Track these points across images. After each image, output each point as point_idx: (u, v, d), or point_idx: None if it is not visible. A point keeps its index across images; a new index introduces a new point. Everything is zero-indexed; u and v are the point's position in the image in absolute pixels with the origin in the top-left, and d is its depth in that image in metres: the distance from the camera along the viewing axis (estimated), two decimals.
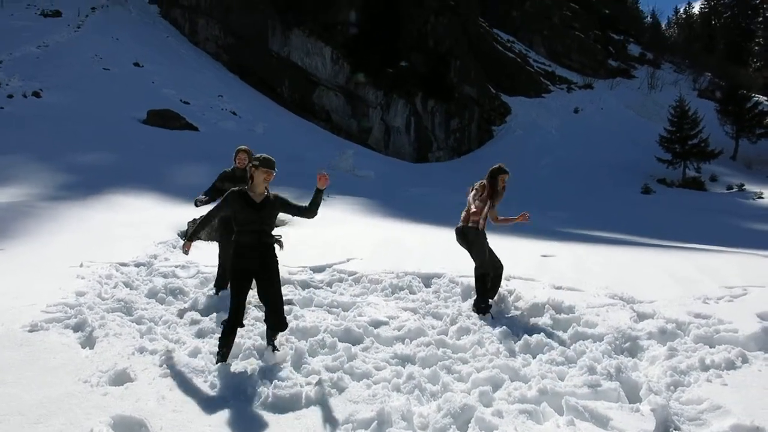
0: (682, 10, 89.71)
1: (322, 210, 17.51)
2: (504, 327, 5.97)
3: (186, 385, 4.29)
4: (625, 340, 5.52)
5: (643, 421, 3.90)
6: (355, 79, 39.95)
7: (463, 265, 8.47)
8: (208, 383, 4.35)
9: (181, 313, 6.30)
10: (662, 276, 8.10)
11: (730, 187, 34.46)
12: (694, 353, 5.14)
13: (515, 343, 5.61)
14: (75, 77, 30.63)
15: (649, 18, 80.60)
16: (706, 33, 71.53)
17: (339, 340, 5.43)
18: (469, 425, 3.70)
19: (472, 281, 7.70)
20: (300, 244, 10.84)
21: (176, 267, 8.29)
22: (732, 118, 40.88)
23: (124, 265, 8.23)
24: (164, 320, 5.98)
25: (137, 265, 8.36)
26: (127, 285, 7.26)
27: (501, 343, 5.57)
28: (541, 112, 45.91)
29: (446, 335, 5.86)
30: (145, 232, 10.81)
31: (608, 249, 11.47)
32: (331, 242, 11.01)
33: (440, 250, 9.94)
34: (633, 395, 4.42)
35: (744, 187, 33.78)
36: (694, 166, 36.76)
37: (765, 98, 43.67)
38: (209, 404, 3.99)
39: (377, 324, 6.11)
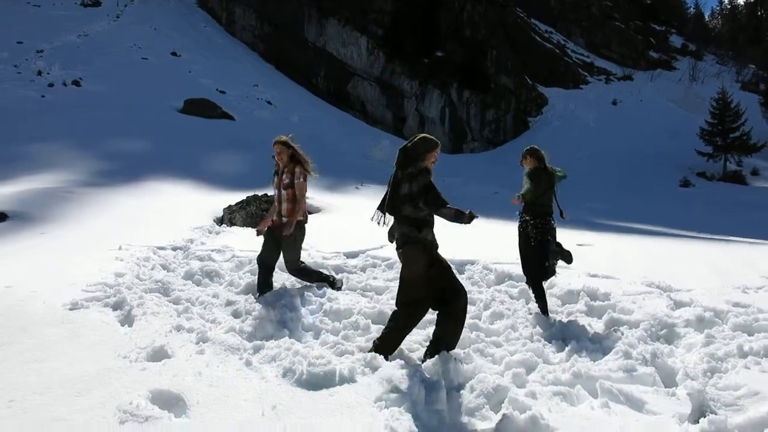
0: (726, 1, 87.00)
1: (357, 198, 17.64)
2: (538, 313, 5.95)
3: (222, 362, 4.37)
4: (661, 327, 5.46)
5: (679, 404, 3.87)
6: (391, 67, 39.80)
7: (496, 253, 8.45)
8: (243, 360, 4.42)
9: (216, 295, 6.40)
10: (700, 266, 7.96)
11: None
12: (732, 341, 5.07)
13: (550, 328, 5.57)
14: (114, 66, 31.20)
15: (692, 8, 78.64)
16: (751, 24, 69.40)
17: (372, 323, 5.47)
18: (503, 405, 3.69)
19: (505, 267, 7.70)
20: (334, 231, 10.93)
21: (212, 251, 8.43)
22: None
23: (161, 248, 8.40)
24: (200, 301, 6.10)
25: (174, 249, 8.51)
26: (164, 267, 7.40)
27: (535, 327, 5.55)
28: (579, 104, 45.22)
29: (479, 320, 5.86)
30: (182, 217, 11.03)
31: (645, 239, 11.29)
32: (365, 229, 11.04)
33: (474, 238, 9.90)
34: (669, 380, 4.37)
35: None
36: (735, 159, 35.91)
37: None
38: (245, 380, 4.06)
39: None
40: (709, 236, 13.79)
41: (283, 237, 6.38)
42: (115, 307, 5.46)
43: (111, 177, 15.36)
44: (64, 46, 33.55)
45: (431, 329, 5.52)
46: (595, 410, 3.74)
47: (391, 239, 5.05)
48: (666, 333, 5.39)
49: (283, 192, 6.44)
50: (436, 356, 4.53)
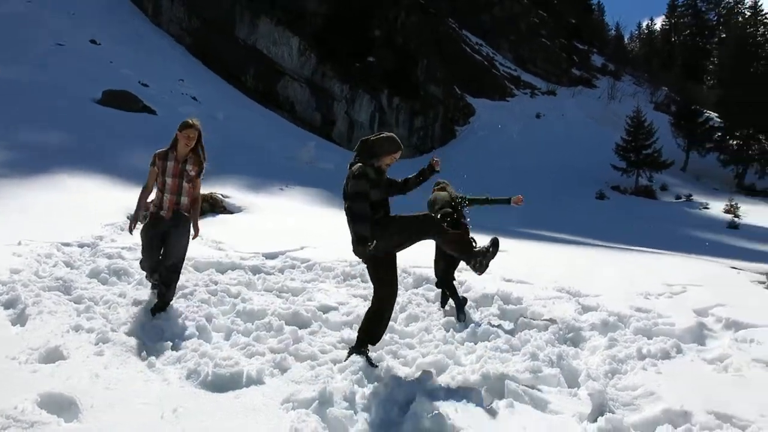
0: (644, 26, 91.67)
1: (280, 199, 17.44)
2: (452, 316, 6.03)
3: (123, 364, 4.16)
4: (568, 331, 5.66)
5: (581, 404, 4.00)
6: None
7: (416, 256, 8.51)
8: (146, 362, 4.24)
9: (123, 294, 6.13)
10: (608, 273, 8.32)
11: (678, 197, 35.50)
12: (633, 344, 5.32)
13: (462, 331, 5.66)
14: (25, 51, 29.27)
15: (613, 31, 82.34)
16: (665, 49, 73.37)
17: (286, 324, 5.37)
18: (411, 406, 3.69)
19: (424, 271, 7.77)
20: (254, 231, 10.75)
21: (123, 249, 8.08)
22: (684, 131, 42.25)
23: (66, 245, 7.94)
24: (105, 300, 5.79)
25: (81, 246, 8.07)
26: (67, 264, 6.99)
27: (448, 331, 5.62)
28: (505, 116, 46.39)
29: (395, 321, 5.86)
30: (93, 213, 10.48)
31: (559, 247, 11.69)
32: (287, 230, 10.94)
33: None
34: (572, 381, 4.51)
35: (691, 198, 34.81)
36: (646, 175, 37.86)
37: (716, 115, 45.20)
38: (145, 382, 3.88)
39: (326, 309, 6.10)
40: (619, 246, 14.42)
41: (178, 228, 5.56)
42: (7, 305, 5.10)
43: (17, 168, 14.47)
44: None
45: (344, 331, 5.50)
46: (500, 409, 3.81)
47: None
48: (573, 336, 5.58)
49: (185, 184, 5.64)
50: (349, 358, 4.51)
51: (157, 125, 25.03)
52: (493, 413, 3.76)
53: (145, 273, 5.92)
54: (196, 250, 8.46)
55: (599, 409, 3.88)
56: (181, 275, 6.67)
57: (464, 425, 3.52)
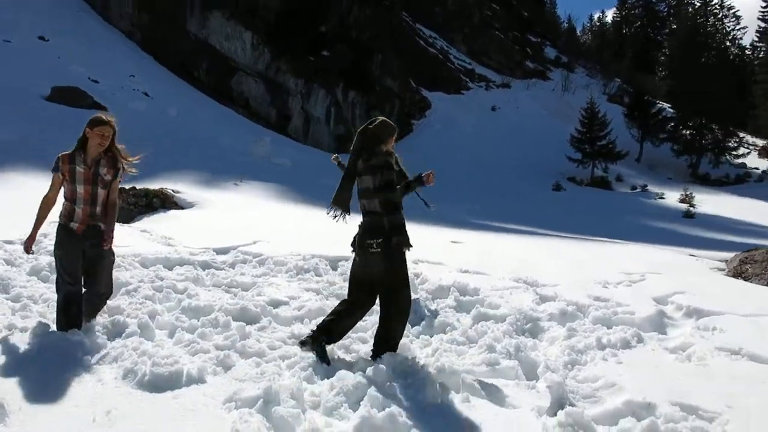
0: (596, 18, 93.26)
1: (234, 194, 17.08)
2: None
3: (56, 364, 3.86)
4: (526, 321, 5.53)
5: (539, 398, 3.86)
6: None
7: None
8: (82, 361, 3.94)
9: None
10: (566, 263, 8.27)
11: (634, 187, 36.02)
12: (592, 333, 5.21)
13: (419, 323, 5.49)
14: None
15: (565, 23, 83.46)
16: (617, 41, 74.65)
17: (233, 319, 5.11)
18: (362, 403, 3.50)
19: None
20: (206, 227, 10.41)
21: None
22: (638, 122, 42.87)
23: (8, 242, 7.57)
24: (44, 298, 5.46)
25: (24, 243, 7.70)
26: (7, 262, 6.65)
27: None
28: (460, 109, 46.63)
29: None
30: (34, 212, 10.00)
31: (516, 238, 11.66)
32: (240, 225, 10.63)
33: (351, 235, 9.76)
34: (531, 373, 4.38)
35: (647, 188, 35.33)
36: (602, 166, 38.46)
37: (668, 105, 46.16)
38: (78, 383, 3.61)
39: (276, 304, 5.84)
40: (576, 236, 14.50)
41: (102, 247, 4.80)
42: None
43: None
44: None
45: (295, 326, 5.28)
46: (455, 404, 3.64)
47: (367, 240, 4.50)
48: (531, 327, 5.46)
49: (100, 191, 4.78)
50: (297, 354, 4.31)
51: None
52: (447, 409, 3.60)
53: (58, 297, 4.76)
54: (143, 246, 8.14)
55: (559, 402, 3.73)
56: (126, 271, 6.36)
57: (417, 422, 3.34)
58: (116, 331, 4.68)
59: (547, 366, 4.36)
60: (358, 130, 4.66)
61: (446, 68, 52.13)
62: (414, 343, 4.94)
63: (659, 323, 5.61)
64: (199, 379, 3.75)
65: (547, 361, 4.46)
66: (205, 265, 7.36)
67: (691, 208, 28.23)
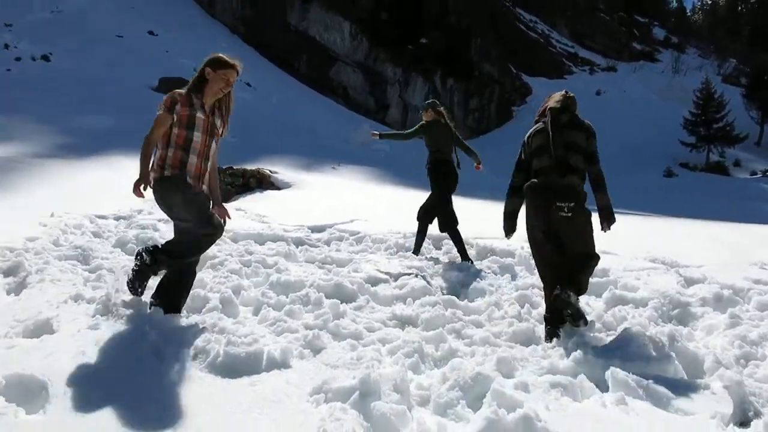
0: None
1: (332, 177, 16.75)
2: (527, 290, 5.03)
3: (117, 340, 3.32)
4: (673, 307, 4.56)
5: (717, 401, 2.92)
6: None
7: (478, 228, 7.56)
8: (146, 339, 3.35)
9: None
10: (706, 242, 7.10)
11: (754, 173, 33.37)
12: (762, 321, 4.17)
13: (541, 306, 4.64)
14: (86, 42, 29.82)
15: (674, 3, 78.79)
16: (732, 18, 69.64)
17: (326, 297, 4.48)
18: (484, 401, 2.73)
19: (488, 242, 6.80)
20: (303, 206, 9.99)
21: (159, 220, 7.44)
22: (758, 103, 39.68)
23: (101, 217, 7.47)
24: (125, 270, 5.07)
25: (117, 219, 7.60)
26: (96, 235, 6.43)
27: (523, 307, 4.59)
28: None
29: (457, 296, 4.92)
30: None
31: (636, 219, 10.42)
32: (338, 205, 10.13)
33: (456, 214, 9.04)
34: (693, 370, 3.43)
35: None
36: (718, 150, 35.97)
37: None
38: (139, 364, 3.04)
39: (375, 281, 5.15)
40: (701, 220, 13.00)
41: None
42: (8, 273, 4.47)
43: (72, 151, 14.27)
44: (36, 21, 31.97)
45: (397, 306, 4.60)
46: (608, 407, 2.78)
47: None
48: (679, 313, 4.49)
49: (214, 146, 4.10)
50: (400, 338, 3.61)
51: None
52: (597, 412, 2.76)
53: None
54: (235, 222, 7.74)
55: (741, 408, 2.81)
56: (214, 246, 5.93)
57: (561, 429, 2.53)
58: (195, 307, 4.16)
59: (718, 360, 3.41)
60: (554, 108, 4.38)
61: (548, 52, 50.14)
62: (538, 328, 4.12)
63: None
64: (283, 364, 3.08)
65: (716, 354, 3.50)
66: (299, 242, 6.84)
67: None
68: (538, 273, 4.44)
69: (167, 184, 3.90)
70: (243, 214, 9.08)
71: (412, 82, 39.73)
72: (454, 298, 4.76)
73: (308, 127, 26.77)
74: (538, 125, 4.44)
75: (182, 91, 3.98)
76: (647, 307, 4.50)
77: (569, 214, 4.07)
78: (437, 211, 6.60)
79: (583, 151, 4.25)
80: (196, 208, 3.88)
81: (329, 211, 9.16)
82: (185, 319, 3.79)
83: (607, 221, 4.22)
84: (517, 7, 52.67)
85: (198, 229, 3.86)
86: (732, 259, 5.98)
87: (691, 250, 6.45)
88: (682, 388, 3.07)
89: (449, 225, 6.52)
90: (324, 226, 7.80)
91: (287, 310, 4.13)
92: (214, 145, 4.08)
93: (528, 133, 4.48)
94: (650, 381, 3.06)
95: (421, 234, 6.65)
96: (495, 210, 11.62)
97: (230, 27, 42.74)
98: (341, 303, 4.37)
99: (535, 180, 4.24)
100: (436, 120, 6.95)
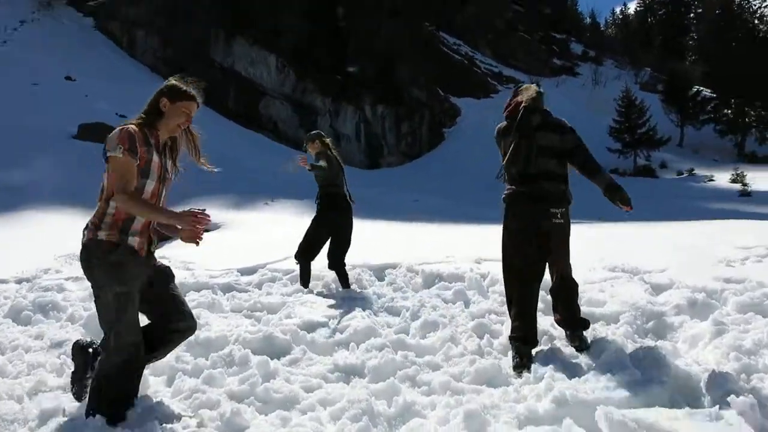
0: (618, 11, 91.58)
1: (265, 213, 16.04)
2: (483, 318, 4.47)
3: None
4: (647, 319, 4.08)
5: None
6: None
7: (423, 254, 7.04)
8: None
9: (41, 335, 4.55)
10: (659, 244, 6.69)
11: (680, 173, 34.52)
12: (749, 325, 3.72)
13: (501, 335, 4.08)
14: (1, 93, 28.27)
15: (588, 19, 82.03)
16: (643, 30, 73.03)
17: (253, 353, 3.76)
18: None
19: (434, 268, 6.25)
20: (233, 247, 9.27)
21: (66, 279, 6.59)
22: (676, 106, 41.60)
23: (2, 281, 6.55)
24: (13, 345, 4.25)
25: (19, 282, 6.66)
26: None
27: (482, 338, 4.01)
28: (491, 112, 45.20)
29: (407, 334, 4.30)
30: (54, 245, 9.01)
31: (586, 227, 10.13)
32: (271, 243, 9.45)
33: (396, 241, 8.50)
34: (691, 392, 2.92)
35: (694, 171, 33.90)
36: (644, 154, 37.04)
37: (703, 88, 44.36)
38: None
39: (312, 327, 4.47)
40: (642, 222, 12.92)
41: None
42: None
43: None
44: None
45: (339, 354, 3.96)
46: None
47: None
48: (655, 325, 4.00)
49: (164, 193, 3.28)
50: (345, 397, 2.97)
51: None
52: None
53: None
54: None
55: None
56: None
57: None
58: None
59: (717, 380, 2.89)
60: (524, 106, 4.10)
61: (473, 73, 50.87)
62: (504, 362, 3.55)
63: None
64: None
65: (714, 373, 2.98)
66: (227, 288, 6.08)
67: (745, 187, 26.80)
68: (505, 293, 4.02)
69: (97, 252, 2.98)
70: (167, 262, 8.25)
71: (342, 111, 39.52)
72: (403, 337, 4.14)
73: (238, 164, 25.98)
74: (506, 124, 4.18)
75: (134, 126, 3.14)
76: (619, 322, 4.00)
77: (561, 220, 3.92)
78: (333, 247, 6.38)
79: (559, 152, 4.00)
80: (122, 307, 2.92)
81: (262, 250, 8.48)
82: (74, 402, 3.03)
83: (620, 198, 3.91)
84: (439, 31, 53.42)
85: (113, 350, 2.91)
86: (692, 259, 5.55)
87: (647, 254, 6.03)
88: (689, 419, 2.53)
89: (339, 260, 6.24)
90: (255, 267, 7.10)
91: (206, 377, 3.38)
92: (164, 193, 3.25)
93: (497, 130, 4.29)
94: (650, 416, 2.50)
95: (343, 278, 6.16)
96: (433, 232, 11.21)
97: (152, 67, 41.49)
98: (272, 359, 3.67)
99: (521, 187, 3.90)
100: (324, 151, 6.71)
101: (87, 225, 3.09)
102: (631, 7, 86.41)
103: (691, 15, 70.02)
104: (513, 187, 3.97)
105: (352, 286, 6.03)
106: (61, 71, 34.27)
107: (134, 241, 3.00)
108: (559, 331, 4.05)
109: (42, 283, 6.43)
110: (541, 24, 60.50)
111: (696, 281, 4.65)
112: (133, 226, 3.02)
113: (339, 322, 4.57)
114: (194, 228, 2.89)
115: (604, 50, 63.14)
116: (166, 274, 3.27)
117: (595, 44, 64.78)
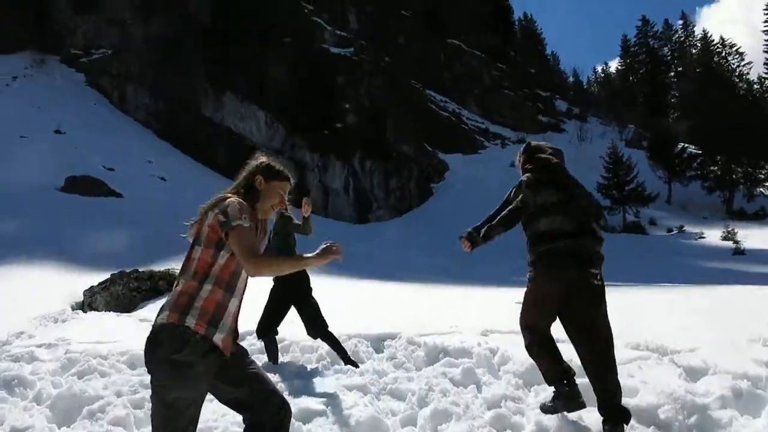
0: (600, 69, 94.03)
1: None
2: (500, 408, 3.97)
3: None
4: (688, 414, 3.57)
5: None
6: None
7: (422, 321, 6.57)
8: None
9: (2, 419, 3.99)
10: (681, 312, 6.26)
11: (670, 230, 34.61)
12: None
13: (530, 421, 3.60)
14: None
15: (571, 78, 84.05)
16: (625, 88, 74.75)
17: None
18: None
19: (437, 340, 5.75)
20: None
21: (38, 347, 6.07)
22: (663, 163, 41.93)
23: None
24: None
25: None
26: None
27: (505, 430, 3.53)
28: (479, 168, 45.59)
29: (414, 426, 3.80)
30: (29, 305, 8.53)
31: None
32: (257, 304, 8.90)
33: (390, 304, 8.02)
34: None
35: (684, 228, 33.92)
36: (633, 210, 37.12)
37: (688, 145, 45.04)
38: None
39: (308, 417, 3.93)
40: (642, 284, 12.52)
41: None
42: None
43: None
44: None
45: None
46: None
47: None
48: (698, 421, 3.51)
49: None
50: None
51: (122, 207, 24.39)
52: None
53: None
54: (135, 340, 6.44)
55: None
56: (100, 379, 4.70)
57: None
58: None
59: None
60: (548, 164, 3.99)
61: (460, 129, 51.48)
62: None
63: None
64: None
65: None
66: None
67: (738, 245, 27.08)
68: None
69: (177, 342, 2.47)
70: (148, 325, 7.73)
71: (331, 166, 39.77)
72: (411, 430, 3.64)
73: None
74: (534, 177, 3.85)
75: (241, 200, 2.81)
76: (659, 419, 3.51)
77: (600, 283, 3.60)
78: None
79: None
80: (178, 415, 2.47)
81: (251, 313, 7.93)
82: None
83: None
84: (427, 89, 54.15)
85: None
86: (722, 334, 5.09)
87: (668, 325, 5.59)
88: None
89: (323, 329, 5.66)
90: (243, 334, 6.58)
91: None
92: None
93: (521, 185, 3.91)
94: None
95: (336, 346, 5.60)
96: (428, 294, 10.67)
97: (143, 122, 41.60)
98: None
99: (559, 244, 3.52)
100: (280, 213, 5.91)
101: (163, 306, 2.61)
102: (612, 66, 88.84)
103: (672, 74, 71.64)
104: (555, 243, 3.58)
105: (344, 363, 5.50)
106: (50, 125, 34.21)
107: (219, 338, 2.56)
108: (587, 427, 3.56)
109: (12, 351, 5.91)
110: (525, 82, 61.70)
111: (734, 365, 4.17)
112: (223, 319, 2.61)
113: (340, 411, 4.04)
114: (336, 256, 2.65)
115: (589, 107, 64.38)
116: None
117: (579, 102, 66.16)
